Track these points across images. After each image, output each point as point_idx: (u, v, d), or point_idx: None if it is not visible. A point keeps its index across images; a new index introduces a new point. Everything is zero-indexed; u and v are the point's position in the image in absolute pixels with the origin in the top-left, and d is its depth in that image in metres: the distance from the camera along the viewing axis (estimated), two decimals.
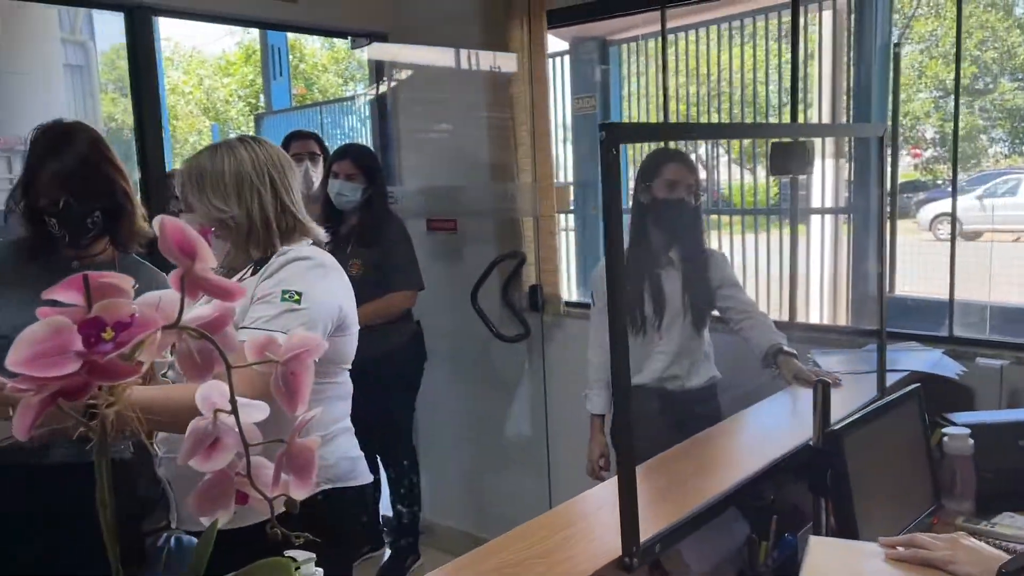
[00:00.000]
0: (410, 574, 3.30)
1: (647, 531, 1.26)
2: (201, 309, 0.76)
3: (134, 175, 2.99)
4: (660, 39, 3.04)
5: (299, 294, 1.56)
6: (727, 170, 5.20)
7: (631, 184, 4.50)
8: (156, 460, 1.71)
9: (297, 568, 0.96)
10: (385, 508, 3.53)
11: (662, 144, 2.58)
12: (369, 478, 1.79)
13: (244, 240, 1.67)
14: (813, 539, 1.22)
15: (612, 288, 1.11)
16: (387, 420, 3.21)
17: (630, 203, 2.50)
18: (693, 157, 4.48)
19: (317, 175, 3.26)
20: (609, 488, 1.52)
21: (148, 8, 2.89)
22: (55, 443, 1.77)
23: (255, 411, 0.82)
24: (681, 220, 2.41)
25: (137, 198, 1.95)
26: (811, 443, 1.53)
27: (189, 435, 0.79)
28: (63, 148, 1.80)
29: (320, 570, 0.99)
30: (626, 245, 2.40)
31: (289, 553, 0.96)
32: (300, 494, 0.83)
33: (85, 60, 11.13)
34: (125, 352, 0.66)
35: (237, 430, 0.80)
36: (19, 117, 8.52)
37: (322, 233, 1.78)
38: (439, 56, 3.44)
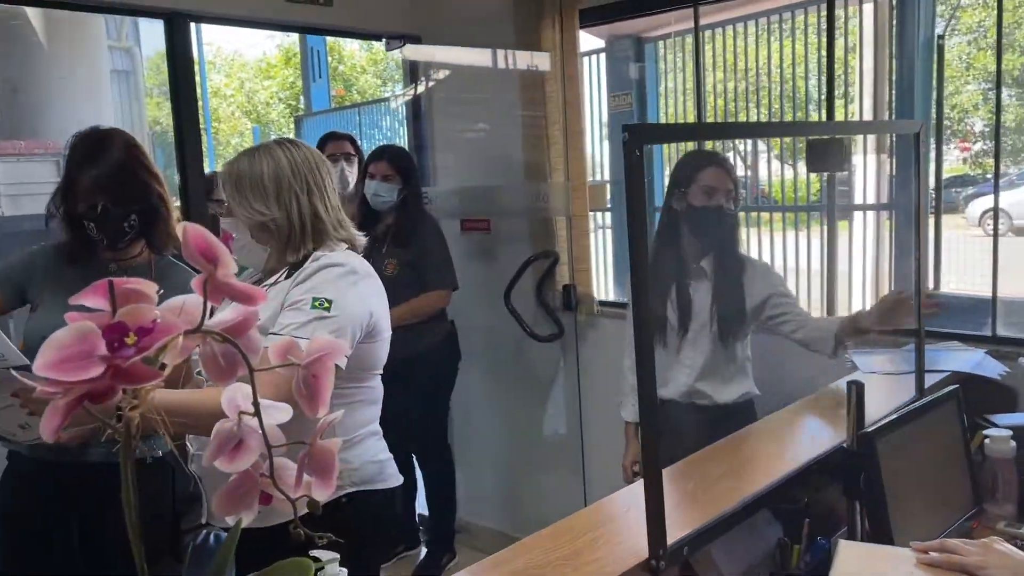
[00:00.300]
0: (446, 572, 3.32)
1: (675, 533, 1.25)
2: (225, 313, 0.78)
3: (174, 178, 3.05)
4: (693, 35, 3.02)
5: (329, 301, 1.56)
6: (767, 165, 5.13)
7: (667, 183, 4.46)
8: (189, 457, 1.74)
9: (320, 568, 0.97)
10: (421, 507, 3.55)
11: (698, 144, 2.51)
12: (398, 481, 1.79)
13: (284, 242, 1.68)
14: (843, 543, 1.21)
15: (637, 294, 1.10)
16: (422, 419, 3.23)
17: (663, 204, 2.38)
18: (731, 154, 4.40)
19: (352, 175, 3.30)
20: (639, 489, 1.51)
21: (186, 15, 2.95)
22: (92, 442, 1.80)
23: (278, 413, 0.84)
24: (718, 228, 2.27)
25: (172, 201, 1.98)
26: (844, 445, 1.51)
27: (214, 437, 0.80)
28: (100, 154, 1.84)
29: (344, 570, 1.00)
30: (652, 250, 2.31)
31: (314, 553, 0.98)
32: (322, 495, 0.84)
33: (131, 66, 11.37)
34: (149, 356, 0.68)
35: (260, 432, 0.82)
36: (69, 122, 8.73)
37: (360, 237, 1.78)
38: (472, 56, 3.45)
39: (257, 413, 0.81)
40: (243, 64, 18.71)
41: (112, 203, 1.83)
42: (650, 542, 1.17)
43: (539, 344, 3.30)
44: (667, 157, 4.56)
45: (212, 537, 2.74)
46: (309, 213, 1.68)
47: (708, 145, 2.63)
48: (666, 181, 4.87)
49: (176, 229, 1.96)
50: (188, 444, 1.72)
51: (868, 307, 2.25)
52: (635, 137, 1.05)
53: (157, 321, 0.70)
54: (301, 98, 15.13)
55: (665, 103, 4.34)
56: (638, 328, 1.13)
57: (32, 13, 8.89)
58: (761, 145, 4.76)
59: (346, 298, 1.59)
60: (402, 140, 6.03)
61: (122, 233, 1.87)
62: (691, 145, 2.53)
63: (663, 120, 4.38)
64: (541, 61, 3.13)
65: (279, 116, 18.25)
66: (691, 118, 4.09)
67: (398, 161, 3.13)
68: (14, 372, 1.43)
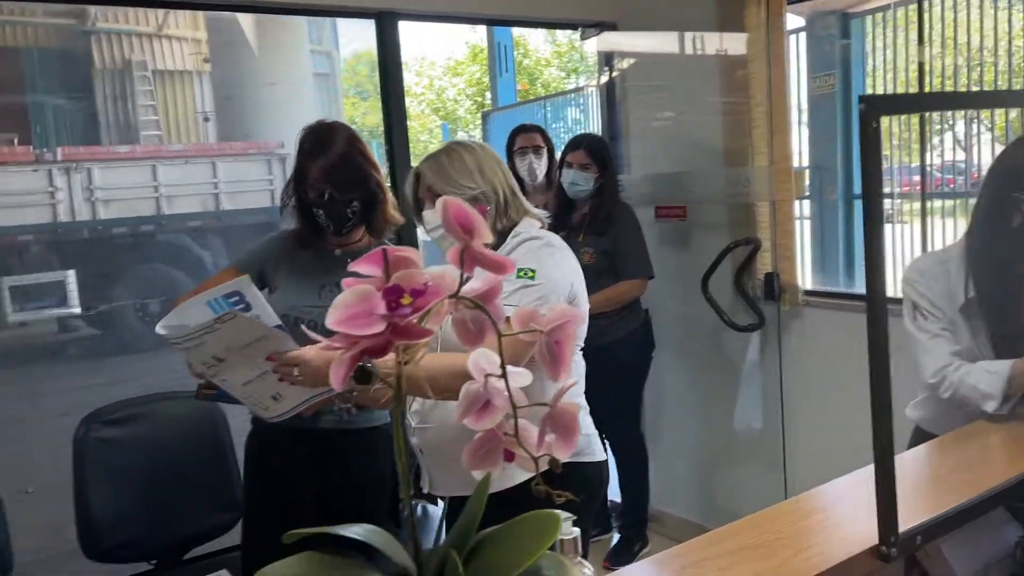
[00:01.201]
0: (638, 559, 3.33)
1: (904, 523, 1.20)
2: (471, 283, 0.83)
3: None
4: (916, 6, 2.82)
5: (532, 271, 1.64)
6: (991, 149, 4.72)
7: (897, 158, 4.13)
8: (409, 430, 1.84)
9: None
10: (613, 494, 3.57)
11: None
12: (603, 456, 1.85)
13: (494, 214, 1.78)
14: None
15: (872, 287, 1.05)
16: (615, 408, 3.25)
17: (975, 207, 1.88)
18: (948, 135, 4.04)
19: (540, 168, 3.36)
20: (850, 481, 1.47)
21: (394, 13, 3.11)
22: (325, 412, 1.96)
23: (520, 377, 0.89)
24: None
25: (388, 188, 2.11)
26: None
27: (463, 398, 0.86)
28: (326, 146, 1.98)
29: (577, 529, 1.04)
30: (953, 266, 1.86)
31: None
32: (563, 454, 0.89)
33: (330, 68, 12.13)
34: (423, 315, 0.74)
35: (506, 394, 0.87)
36: (276, 123, 9.45)
37: (542, 213, 1.86)
38: (669, 41, 3.42)
39: (504, 376, 0.87)
40: (432, 63, 19.47)
41: (337, 191, 1.97)
42: (881, 527, 1.13)
43: (737, 334, 3.22)
44: (886, 134, 4.30)
45: (420, 508, 2.91)
46: (508, 188, 1.80)
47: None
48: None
49: (393, 214, 2.09)
50: (409, 418, 1.83)
51: None
52: (872, 108, 1.01)
53: (428, 284, 0.76)
54: (487, 93, 15.54)
55: (873, 82, 4.10)
56: (872, 325, 1.08)
57: (245, 23, 9.71)
58: (981, 127, 4.40)
59: (547, 267, 1.67)
60: (586, 131, 6.08)
61: (345, 219, 2.01)
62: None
63: None
64: (742, 42, 3.05)
65: (466, 112, 18.83)
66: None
67: (596, 150, 3.16)
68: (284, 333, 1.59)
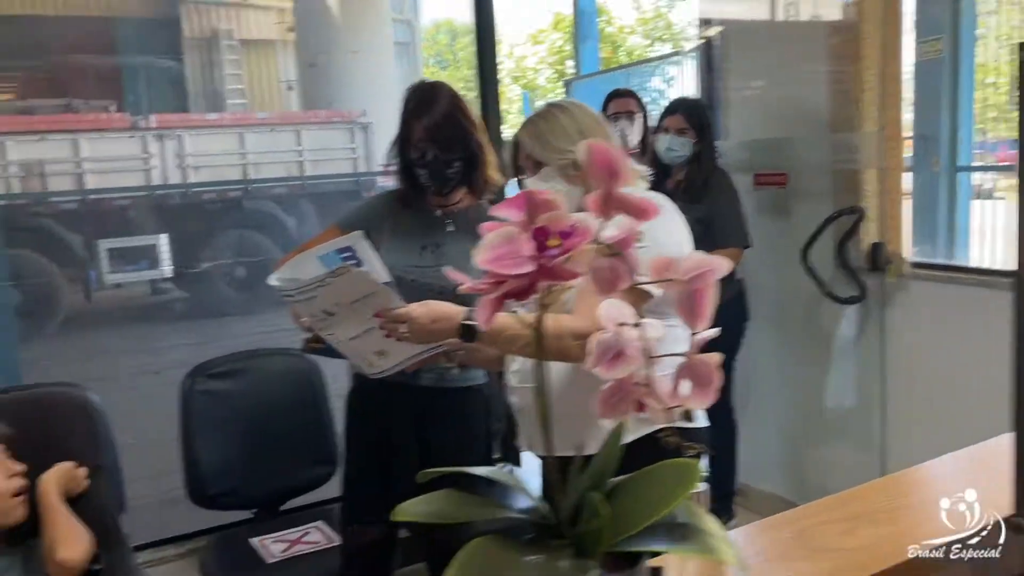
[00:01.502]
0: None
1: None
2: (608, 230, 0.82)
3: None
4: None
5: (640, 233, 1.61)
6: None
7: (993, 131, 3.94)
8: (508, 389, 1.85)
9: None
10: None
11: None
12: (706, 423, 1.83)
13: None
14: None
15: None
16: None
17: None
18: None
19: (633, 134, 3.29)
20: (960, 458, 1.43)
21: None
22: (425, 369, 1.98)
23: (652, 329, 0.88)
24: None
25: (490, 149, 2.10)
26: None
27: (597, 346, 0.86)
28: (429, 105, 1.98)
29: (706, 484, 1.03)
30: None
31: None
32: (700, 405, 0.88)
33: (411, 37, 12.16)
34: (572, 255, 0.74)
35: (638, 343, 0.86)
36: (358, 92, 9.54)
37: (644, 170, 1.81)
38: (770, 4, 3.31)
39: (640, 327, 0.86)
40: (513, 31, 19.36)
41: (439, 150, 1.97)
42: (1017, 498, 1.08)
43: (836, 307, 3.12)
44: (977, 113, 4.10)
45: (508, 470, 2.94)
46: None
47: None
48: (975, 138, 4.35)
49: (494, 176, 2.08)
50: (508, 377, 1.83)
51: None
52: None
53: (575, 226, 0.75)
54: (568, 62, 15.39)
55: (985, 49, 3.89)
56: (1019, 295, 1.01)
57: None
58: None
59: (656, 230, 1.62)
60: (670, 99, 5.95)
61: (447, 179, 2.01)
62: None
63: (977, 70, 3.93)
64: (840, 7, 2.93)
65: (547, 81, 18.68)
66: (1008, 68, 3.64)
67: (693, 113, 3.09)
68: (389, 290, 1.61)
